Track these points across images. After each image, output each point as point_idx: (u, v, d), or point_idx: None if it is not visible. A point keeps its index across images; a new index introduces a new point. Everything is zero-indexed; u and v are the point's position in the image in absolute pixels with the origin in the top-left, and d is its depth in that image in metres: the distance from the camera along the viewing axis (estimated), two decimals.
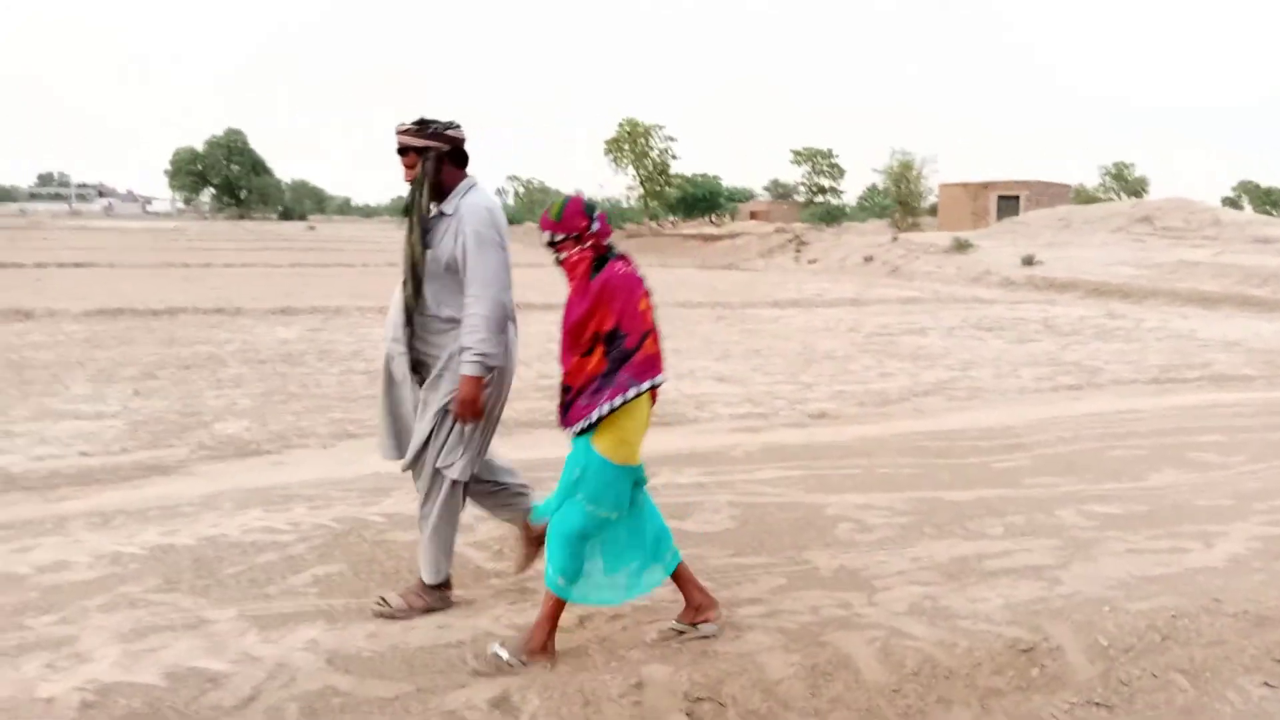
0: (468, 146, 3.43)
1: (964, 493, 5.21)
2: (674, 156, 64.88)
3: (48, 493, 5.05)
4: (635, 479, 3.25)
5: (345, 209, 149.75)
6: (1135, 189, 71.09)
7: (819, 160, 71.46)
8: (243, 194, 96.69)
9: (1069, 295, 20.40)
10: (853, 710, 2.90)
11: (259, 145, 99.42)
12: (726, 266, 31.00)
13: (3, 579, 3.70)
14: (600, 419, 3.02)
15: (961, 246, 27.33)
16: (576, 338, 3.07)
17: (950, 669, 3.09)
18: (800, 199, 73.10)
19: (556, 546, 3.06)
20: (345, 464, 5.66)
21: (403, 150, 3.37)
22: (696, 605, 3.32)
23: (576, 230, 3.07)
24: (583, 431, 3.08)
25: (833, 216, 60.62)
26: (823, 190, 72.05)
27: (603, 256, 3.10)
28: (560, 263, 3.11)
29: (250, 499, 4.78)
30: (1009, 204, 44.53)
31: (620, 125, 63.52)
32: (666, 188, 64.20)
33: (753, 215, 67.68)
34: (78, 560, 3.89)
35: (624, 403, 3.01)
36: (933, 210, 51.37)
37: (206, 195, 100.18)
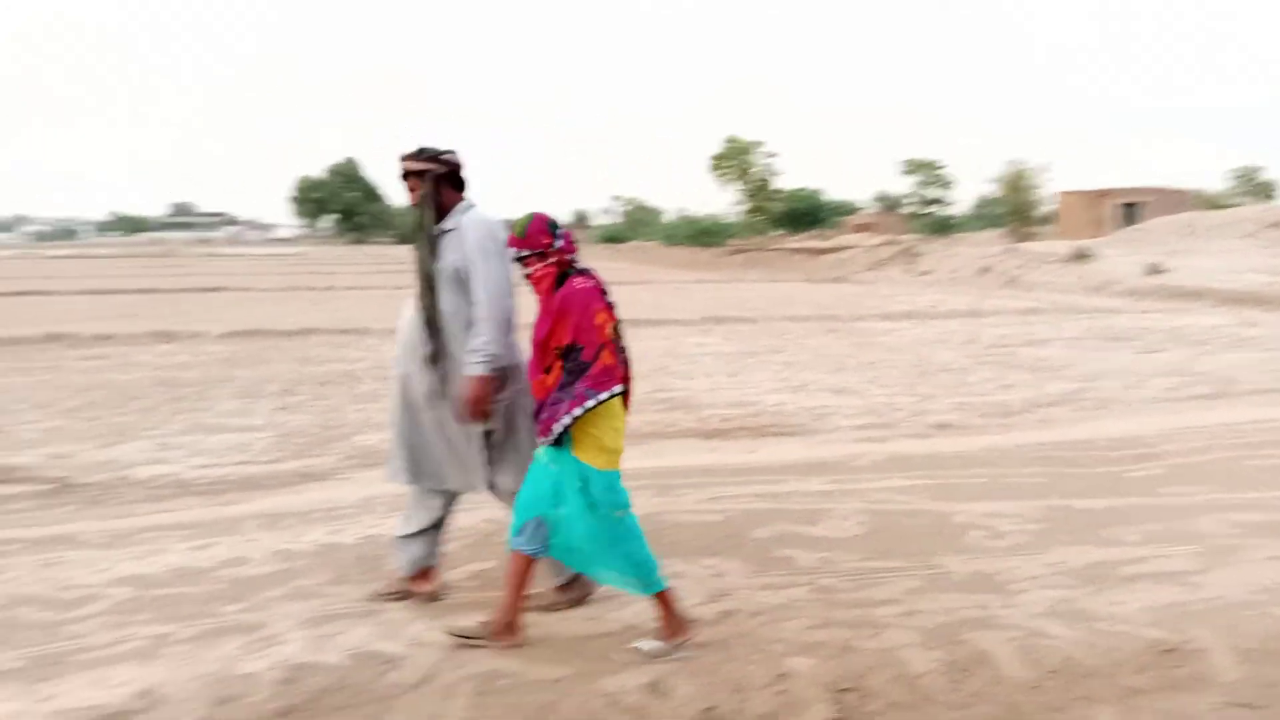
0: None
1: (1096, 501, 5.17)
2: (774, 172, 64.91)
3: (217, 497, 5.48)
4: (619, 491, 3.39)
5: None
6: (1264, 192, 67.60)
7: (928, 171, 70.22)
8: (360, 219, 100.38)
9: (1199, 304, 19.60)
10: (994, 704, 2.97)
11: (373, 172, 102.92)
12: (835, 280, 30.79)
13: (191, 572, 4.08)
14: (565, 430, 3.14)
15: (1082, 255, 26.52)
16: (542, 353, 3.23)
17: (1091, 668, 3.13)
18: (908, 210, 71.85)
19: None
20: None
21: (406, 175, 3.62)
22: (671, 624, 3.37)
23: (540, 247, 3.24)
24: (557, 445, 3.19)
25: (944, 227, 59.48)
26: (932, 201, 70.73)
27: (565, 273, 3.26)
28: (527, 278, 3.28)
29: (402, 502, 5.09)
30: (1129, 212, 42.93)
31: (725, 142, 63.93)
32: (770, 203, 64.19)
33: (859, 228, 66.83)
34: (254, 556, 4.25)
35: (584, 413, 3.12)
36: (1048, 219, 49.89)
37: (326, 221, 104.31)
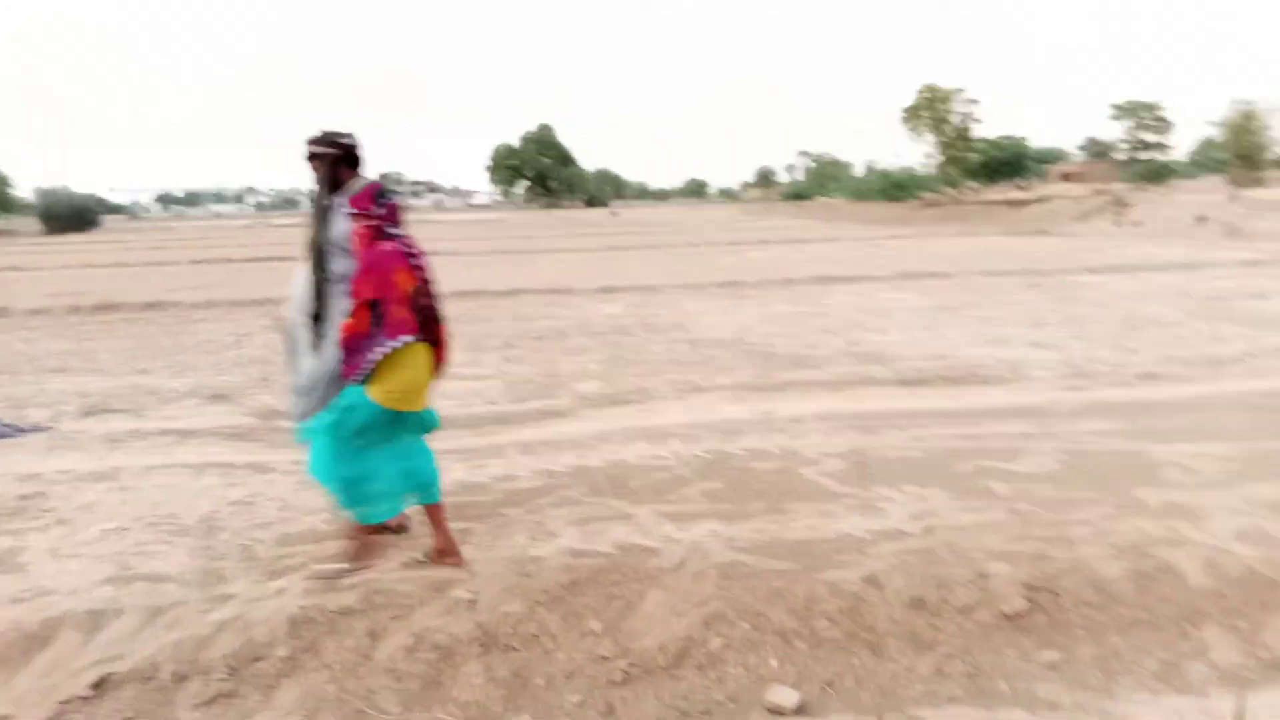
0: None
1: None
2: (976, 120, 62.26)
3: (477, 429, 6.39)
4: (421, 424, 3.85)
5: (643, 194, 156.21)
6: None
7: (1143, 114, 65.49)
8: (553, 184, 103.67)
9: None
10: (1176, 606, 3.36)
11: (567, 138, 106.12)
12: (1036, 233, 29.70)
13: (473, 485, 4.95)
14: (367, 374, 3.60)
15: None
16: (354, 304, 3.66)
17: (1273, 580, 3.45)
18: (1121, 157, 67.35)
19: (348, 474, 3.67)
20: (699, 411, 6.61)
21: (310, 157, 4.02)
22: (440, 549, 3.85)
23: (364, 209, 3.72)
24: (360, 382, 3.64)
25: (1159, 175, 55.56)
26: (1147, 146, 65.99)
27: (384, 235, 3.71)
28: (354, 233, 3.75)
29: (634, 435, 5.84)
30: None
31: (919, 92, 61.86)
32: (968, 153, 61.75)
33: (1065, 177, 63.35)
34: (520, 474, 5.08)
35: (380, 357, 3.58)
36: (1279, 164, 45.78)
37: (520, 187, 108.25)
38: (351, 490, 3.70)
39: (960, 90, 60.45)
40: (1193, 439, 5.44)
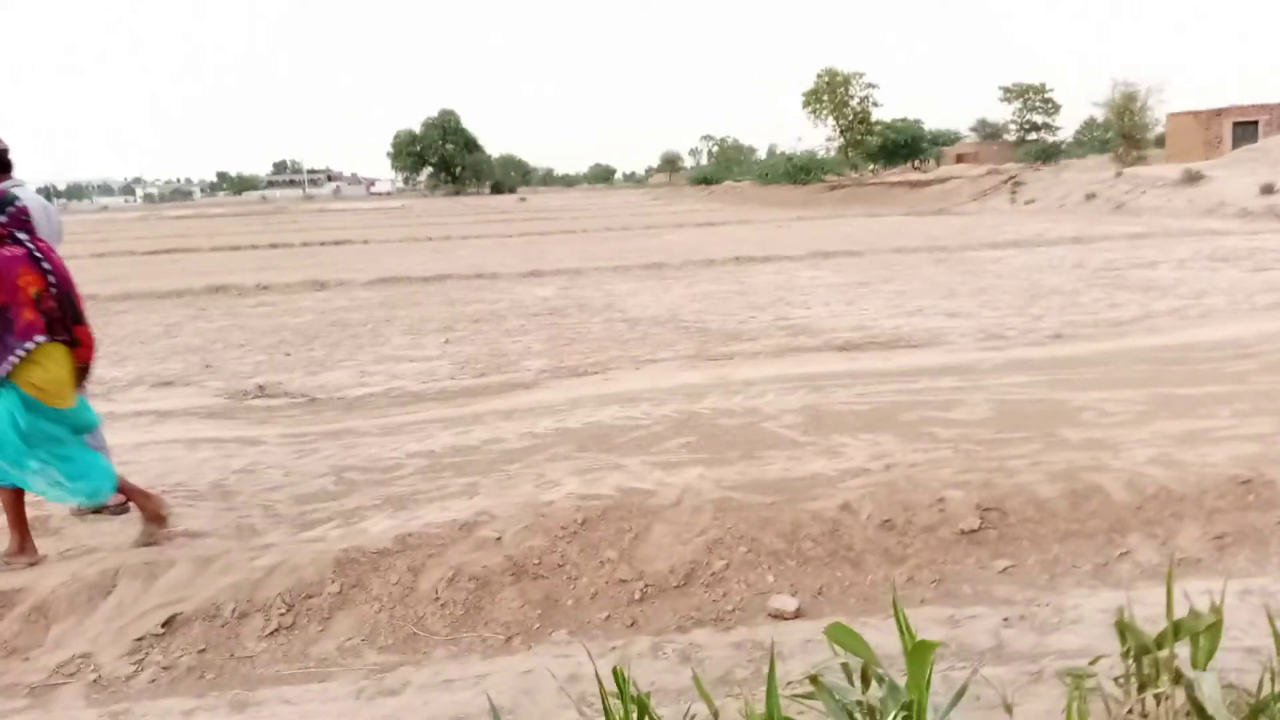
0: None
1: (1196, 389, 6.01)
2: (875, 104, 64.13)
3: (449, 402, 6.72)
4: (77, 422, 3.94)
5: (549, 179, 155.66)
6: None
7: (1031, 96, 68.34)
8: (457, 171, 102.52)
9: None
10: (1105, 519, 3.95)
11: (472, 124, 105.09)
12: (937, 212, 30.99)
13: (464, 448, 5.31)
14: (5, 376, 3.66)
15: (1193, 178, 26.22)
16: None
17: (1182, 495, 4.07)
18: (1011, 138, 70.18)
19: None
20: (658, 379, 7.06)
21: None
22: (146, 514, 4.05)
23: None
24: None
25: (1049, 155, 58.19)
26: (1036, 127, 68.91)
27: (8, 241, 3.72)
28: None
29: (604, 400, 6.26)
30: (1246, 131, 41.51)
31: (818, 76, 63.35)
32: (868, 136, 63.56)
33: (959, 159, 65.75)
34: (507, 437, 5.46)
35: (18, 360, 3.65)
36: (1160, 142, 48.50)
37: (423, 174, 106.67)
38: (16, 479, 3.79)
39: (860, 74, 62.22)
40: (1104, 387, 6.12)
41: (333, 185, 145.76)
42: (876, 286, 12.98)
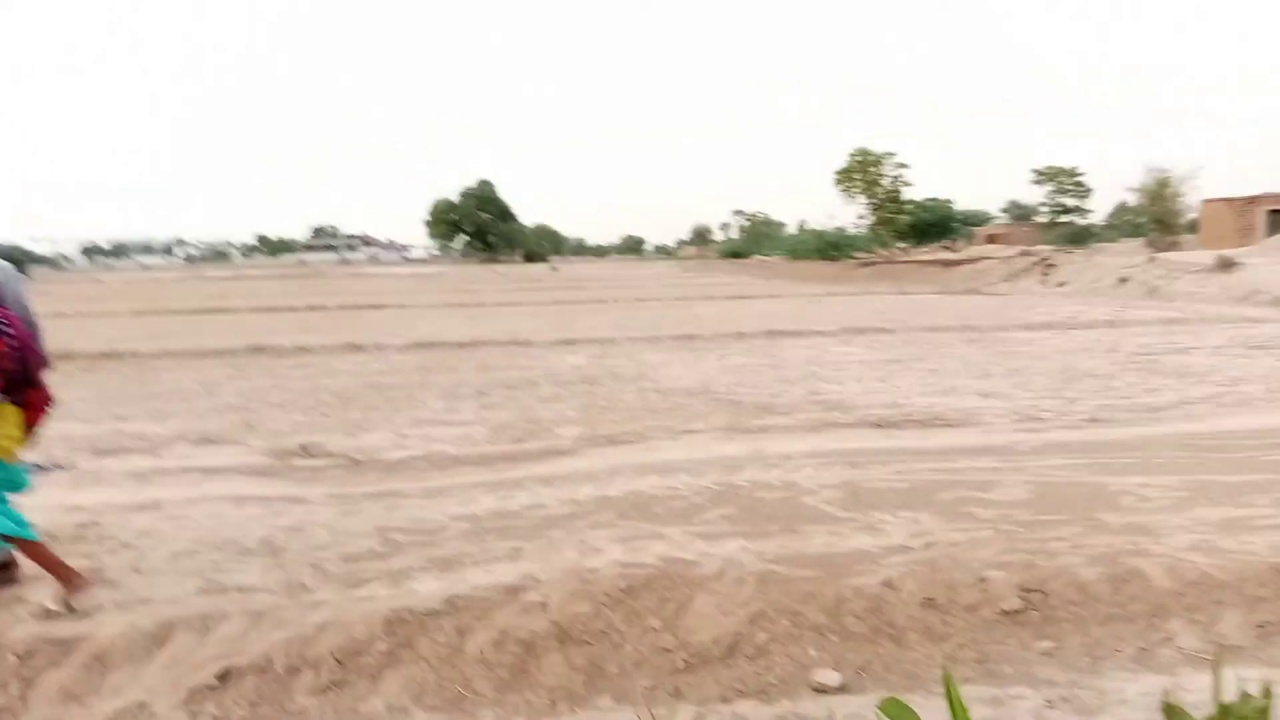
0: None
1: (1235, 477, 6.00)
2: (906, 184, 64.80)
3: (488, 466, 6.82)
4: (10, 482, 4.09)
5: (581, 249, 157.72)
6: None
7: (1063, 179, 68.84)
8: (492, 239, 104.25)
9: None
10: (1146, 604, 3.96)
11: (506, 193, 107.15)
12: (968, 292, 31.09)
13: (506, 513, 5.39)
14: None
15: (1226, 265, 26.20)
16: None
17: (1223, 582, 4.08)
18: (1042, 220, 70.50)
19: None
20: (695, 449, 7.13)
21: None
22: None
23: None
24: None
25: (1080, 238, 58.36)
26: (1067, 210, 69.26)
27: None
28: None
29: (643, 470, 6.34)
30: (1278, 218, 41.52)
31: (851, 155, 64.23)
32: (899, 215, 64.11)
33: (990, 239, 66.07)
34: (548, 503, 5.54)
35: None
36: (1192, 228, 48.55)
37: (458, 241, 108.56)
38: None
39: (891, 154, 63.05)
40: (1142, 472, 6.12)
41: (369, 250, 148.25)
42: (909, 364, 13.01)
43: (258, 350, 16.72)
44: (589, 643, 3.70)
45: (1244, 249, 33.37)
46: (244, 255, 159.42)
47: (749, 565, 4.24)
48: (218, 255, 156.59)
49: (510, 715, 3.35)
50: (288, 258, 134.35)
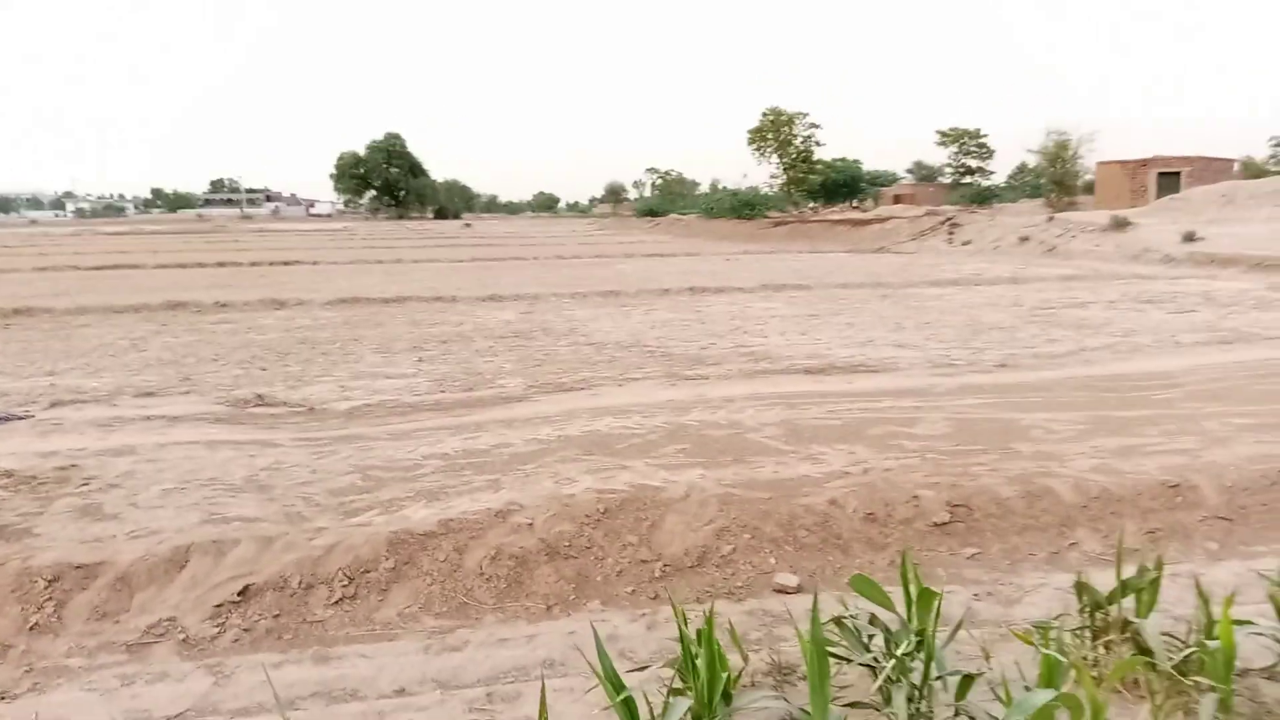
0: None
1: (1128, 412, 6.71)
2: (817, 144, 65.88)
3: (448, 412, 7.14)
4: None
5: (493, 206, 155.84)
6: None
7: (966, 140, 70.87)
8: (401, 194, 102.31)
9: (1231, 270, 20.81)
10: (1056, 516, 4.56)
11: (417, 148, 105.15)
12: (878, 250, 32.12)
13: (476, 451, 5.75)
14: None
15: (1120, 224, 27.68)
16: None
17: (1120, 496, 4.71)
18: (946, 181, 72.58)
19: None
20: (642, 395, 7.56)
21: None
22: None
23: None
24: None
25: (983, 198, 60.34)
26: (970, 171, 71.42)
27: None
28: None
29: (597, 413, 6.75)
30: (1169, 181, 43.75)
31: (764, 114, 64.92)
32: (810, 175, 65.22)
33: (897, 199, 67.81)
34: (514, 442, 5.91)
35: None
36: (1089, 189, 50.75)
37: (366, 196, 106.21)
38: None
39: (803, 114, 63.90)
40: (1048, 410, 6.79)
41: (271, 205, 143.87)
42: (827, 319, 13.64)
43: (177, 306, 16.52)
44: (575, 556, 4.12)
45: (1136, 209, 35.17)
46: (139, 210, 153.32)
47: (710, 489, 4.71)
48: (110, 210, 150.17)
49: (511, 619, 3.76)
50: (186, 213, 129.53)
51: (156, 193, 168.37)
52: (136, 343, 12.21)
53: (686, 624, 2.75)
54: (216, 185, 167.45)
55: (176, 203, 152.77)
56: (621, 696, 2.51)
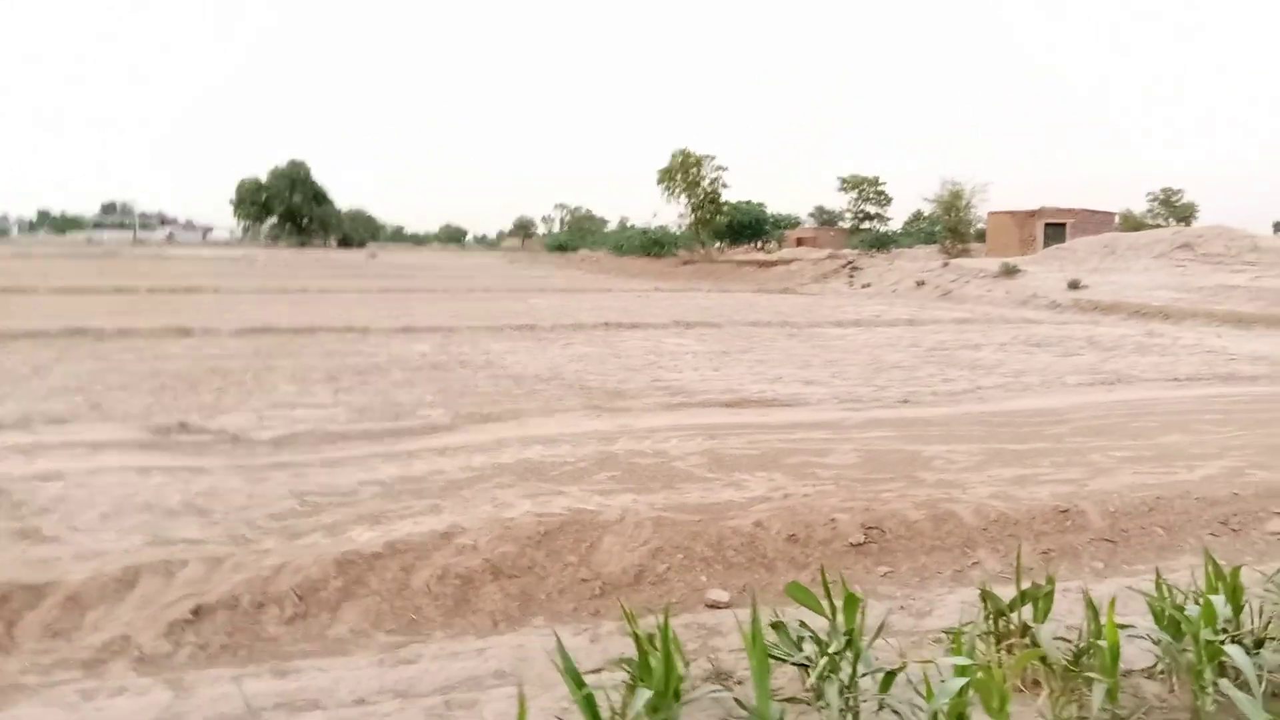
0: None
1: (1021, 445, 7.25)
2: (724, 185, 67.33)
3: (377, 441, 7.24)
4: None
5: (398, 237, 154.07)
6: (1184, 214, 72.40)
7: (866, 187, 73.32)
8: (304, 223, 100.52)
9: (1112, 316, 22.19)
10: (959, 538, 4.97)
11: (322, 176, 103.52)
12: (783, 291, 33.08)
13: (413, 479, 5.91)
14: None
15: (1010, 271, 29.15)
16: None
17: (1016, 520, 5.16)
18: (846, 225, 74.89)
19: None
20: (569, 425, 7.80)
21: None
22: None
23: None
24: None
25: (882, 243, 62.50)
26: (869, 217, 73.84)
27: None
28: None
29: (527, 441, 6.97)
30: (1055, 231, 46.22)
31: (674, 156, 66.10)
32: (717, 216, 66.56)
33: (799, 242, 69.69)
34: (448, 469, 6.09)
35: None
36: (980, 236, 53.15)
37: (267, 224, 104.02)
38: None
39: (711, 157, 65.30)
40: (948, 442, 7.28)
41: (165, 230, 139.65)
42: (738, 355, 14.10)
43: (77, 332, 16.05)
44: (518, 576, 4.34)
45: (1025, 257, 37.05)
46: (24, 232, 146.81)
47: (643, 513, 4.98)
48: None
49: (460, 634, 3.95)
50: (75, 235, 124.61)
51: (43, 214, 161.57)
52: (38, 370, 11.88)
53: (638, 628, 3.01)
54: (108, 208, 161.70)
55: (65, 225, 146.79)
56: (584, 692, 2.75)
